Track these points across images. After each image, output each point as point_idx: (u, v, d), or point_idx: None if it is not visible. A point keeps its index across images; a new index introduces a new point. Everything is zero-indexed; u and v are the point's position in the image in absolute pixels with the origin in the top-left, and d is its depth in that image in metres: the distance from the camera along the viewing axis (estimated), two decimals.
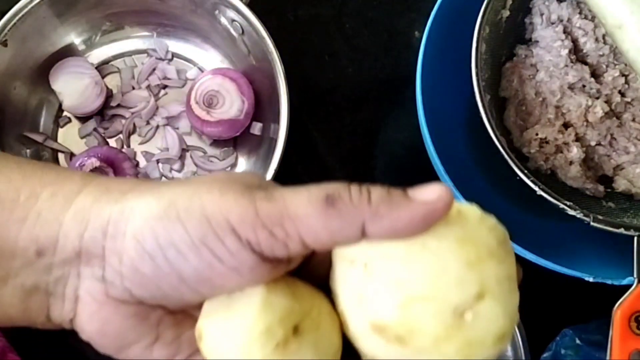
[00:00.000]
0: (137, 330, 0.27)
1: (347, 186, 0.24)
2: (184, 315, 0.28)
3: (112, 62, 0.58)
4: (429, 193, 0.24)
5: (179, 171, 0.57)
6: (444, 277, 0.23)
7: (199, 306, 0.27)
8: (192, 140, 0.57)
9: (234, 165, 0.57)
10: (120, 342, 0.27)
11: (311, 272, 0.28)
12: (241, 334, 0.24)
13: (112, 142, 0.57)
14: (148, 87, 0.58)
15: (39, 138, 0.56)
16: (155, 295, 0.26)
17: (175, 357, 0.28)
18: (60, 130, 0.57)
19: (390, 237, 0.24)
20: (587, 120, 0.47)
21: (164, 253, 0.24)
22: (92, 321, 0.26)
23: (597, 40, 0.49)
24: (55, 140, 0.57)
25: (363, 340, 0.25)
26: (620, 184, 0.47)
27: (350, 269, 0.25)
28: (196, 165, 0.57)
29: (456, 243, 0.24)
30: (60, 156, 0.57)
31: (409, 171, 0.59)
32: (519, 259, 0.48)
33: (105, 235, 0.25)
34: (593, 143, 0.47)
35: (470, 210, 0.25)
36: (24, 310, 0.26)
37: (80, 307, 0.26)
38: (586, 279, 0.46)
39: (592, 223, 0.43)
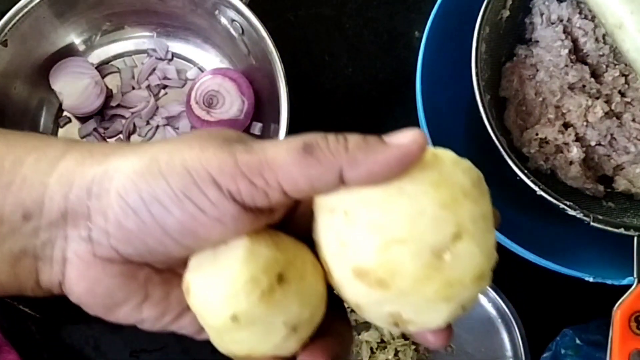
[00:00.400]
0: (125, 289, 0.27)
1: (324, 135, 0.25)
2: (172, 273, 0.28)
3: (112, 62, 0.58)
4: (404, 137, 0.25)
5: None
6: (421, 219, 0.24)
7: (185, 263, 0.27)
8: None
9: None
10: (109, 301, 0.27)
11: (294, 226, 0.28)
12: (227, 284, 0.25)
13: (112, 142, 0.57)
14: (148, 87, 0.58)
15: None
16: (142, 252, 0.26)
17: (164, 316, 0.28)
18: (60, 130, 0.57)
19: (367, 182, 0.25)
20: (587, 120, 0.47)
21: (147, 207, 0.25)
22: (80, 282, 0.27)
23: (597, 40, 0.48)
24: None
25: (346, 288, 0.26)
26: (620, 184, 0.47)
27: (331, 218, 0.26)
28: None
29: (431, 186, 0.24)
30: None
31: None
32: (520, 259, 0.48)
33: (90, 194, 0.26)
34: (593, 143, 0.47)
35: (445, 154, 0.26)
36: (13, 276, 0.27)
37: (69, 269, 0.27)
38: (586, 279, 0.46)
39: (592, 223, 0.43)
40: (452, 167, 0.25)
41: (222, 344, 0.27)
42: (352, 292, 0.26)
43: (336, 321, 0.28)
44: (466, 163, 0.26)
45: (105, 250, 0.26)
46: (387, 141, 0.25)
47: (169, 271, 0.28)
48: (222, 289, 0.25)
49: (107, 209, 0.26)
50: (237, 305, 0.25)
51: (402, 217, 0.24)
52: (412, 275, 0.24)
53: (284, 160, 0.24)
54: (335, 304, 0.27)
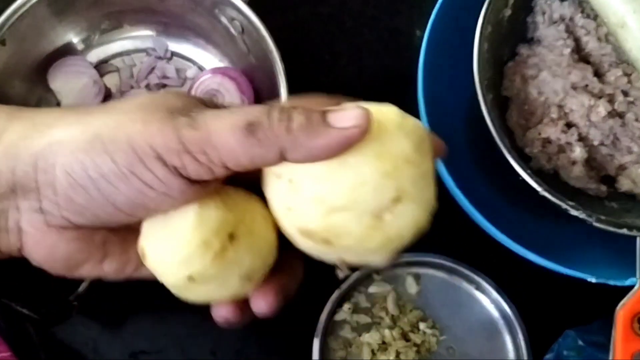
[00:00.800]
0: (84, 251, 0.28)
1: (267, 112, 0.25)
2: (128, 231, 0.29)
3: (111, 61, 0.58)
4: (347, 120, 0.25)
5: None
6: (363, 189, 0.25)
7: (140, 222, 0.28)
8: None
9: None
10: (69, 263, 0.28)
11: (245, 176, 0.29)
12: (180, 249, 0.26)
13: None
14: (147, 86, 0.57)
15: None
16: (94, 221, 0.27)
17: (126, 268, 0.30)
18: None
19: (308, 162, 0.26)
20: (590, 120, 0.46)
21: (95, 184, 0.26)
22: (38, 249, 0.28)
23: (599, 39, 0.48)
24: None
25: (294, 240, 0.28)
26: (623, 184, 0.47)
27: (278, 183, 0.27)
28: None
29: (374, 157, 0.25)
30: None
31: None
32: (521, 260, 0.48)
33: (36, 169, 0.26)
34: (596, 143, 0.47)
35: (388, 118, 0.27)
36: None
37: (25, 238, 0.27)
38: (588, 279, 0.46)
39: (594, 223, 0.42)
40: (395, 133, 0.26)
41: (181, 296, 0.29)
42: (300, 243, 0.27)
43: (288, 256, 0.30)
44: (410, 124, 0.27)
45: (57, 220, 0.27)
46: (330, 122, 0.25)
47: (125, 229, 0.29)
48: (176, 254, 0.26)
49: (55, 183, 0.26)
50: (191, 267, 0.26)
51: (344, 188, 0.25)
52: (354, 235, 0.26)
53: (227, 139, 0.25)
54: (286, 240, 0.29)
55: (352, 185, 0.25)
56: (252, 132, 0.25)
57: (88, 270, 0.29)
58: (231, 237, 0.27)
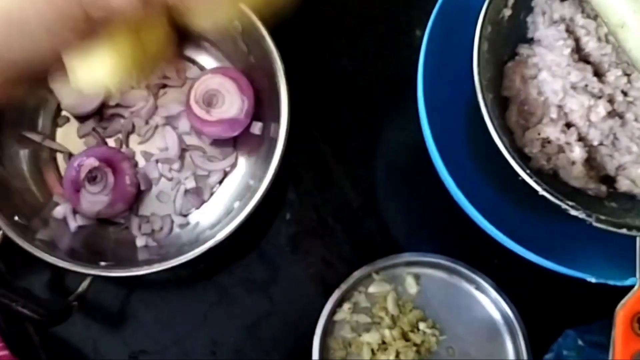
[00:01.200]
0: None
1: None
2: None
3: None
4: None
5: (179, 171, 0.56)
6: None
7: None
8: (191, 140, 0.57)
9: (234, 165, 0.57)
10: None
11: None
12: (105, 74, 0.34)
13: (111, 142, 0.57)
14: (147, 86, 0.57)
15: (37, 138, 0.56)
16: (26, 69, 0.33)
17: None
18: (59, 130, 0.57)
19: None
20: (589, 120, 0.46)
21: (21, 54, 0.32)
22: None
23: (599, 39, 0.48)
24: (54, 139, 0.57)
25: None
26: (623, 184, 0.47)
27: None
28: (195, 165, 0.56)
29: None
30: (59, 156, 0.57)
31: (409, 171, 0.59)
32: (521, 260, 0.48)
33: None
34: (595, 143, 0.47)
35: None
36: None
37: None
38: (588, 279, 0.46)
39: (594, 223, 0.42)
40: None
41: None
42: None
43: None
44: None
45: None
46: None
47: None
48: (105, 84, 0.34)
49: None
50: (119, 86, 0.35)
51: None
52: None
53: (125, 7, 0.31)
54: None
55: None
56: (148, 6, 0.31)
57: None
58: (145, 55, 0.35)
